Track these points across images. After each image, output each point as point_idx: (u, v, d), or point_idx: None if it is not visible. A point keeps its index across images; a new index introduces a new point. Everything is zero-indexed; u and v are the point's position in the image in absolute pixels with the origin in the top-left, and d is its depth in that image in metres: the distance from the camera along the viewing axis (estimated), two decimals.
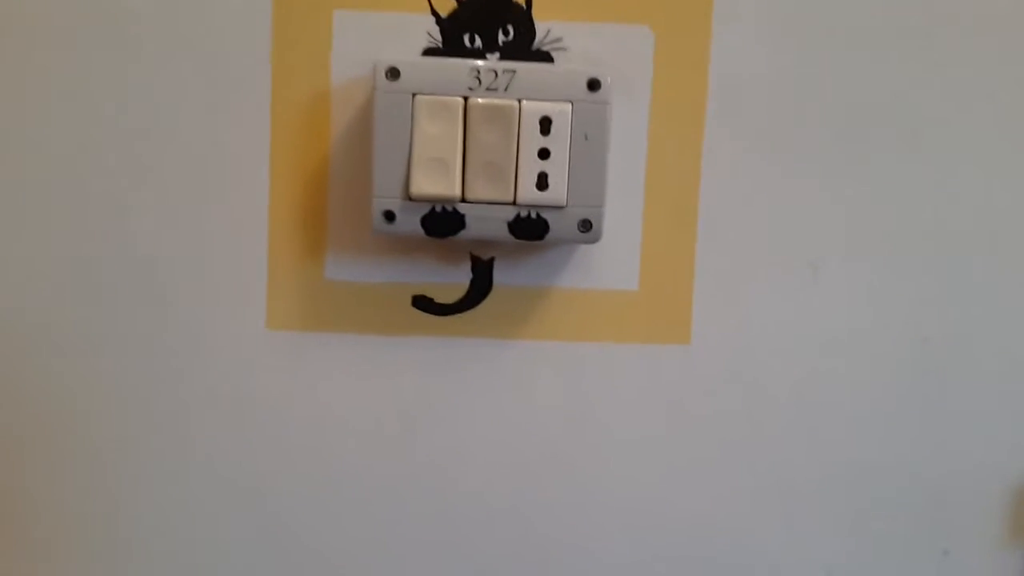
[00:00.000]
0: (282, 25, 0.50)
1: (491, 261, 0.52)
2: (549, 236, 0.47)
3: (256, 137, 0.51)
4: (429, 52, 0.51)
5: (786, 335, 0.52)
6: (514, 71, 0.45)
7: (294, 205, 0.52)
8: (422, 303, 0.51)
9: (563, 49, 0.51)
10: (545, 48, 0.51)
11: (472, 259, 0.51)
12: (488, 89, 0.45)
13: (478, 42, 0.50)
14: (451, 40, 0.51)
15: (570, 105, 0.46)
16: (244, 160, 0.51)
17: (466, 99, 0.46)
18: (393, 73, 0.45)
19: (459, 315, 0.51)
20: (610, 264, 0.51)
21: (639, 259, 0.51)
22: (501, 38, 0.50)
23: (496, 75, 0.45)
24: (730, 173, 0.51)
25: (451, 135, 0.45)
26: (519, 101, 0.46)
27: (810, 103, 0.51)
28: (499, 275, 0.51)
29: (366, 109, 0.50)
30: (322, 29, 0.50)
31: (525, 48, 0.51)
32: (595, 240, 0.47)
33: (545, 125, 0.46)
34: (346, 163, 0.50)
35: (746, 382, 0.52)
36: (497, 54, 0.51)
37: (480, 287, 0.52)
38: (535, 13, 0.51)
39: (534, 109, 0.46)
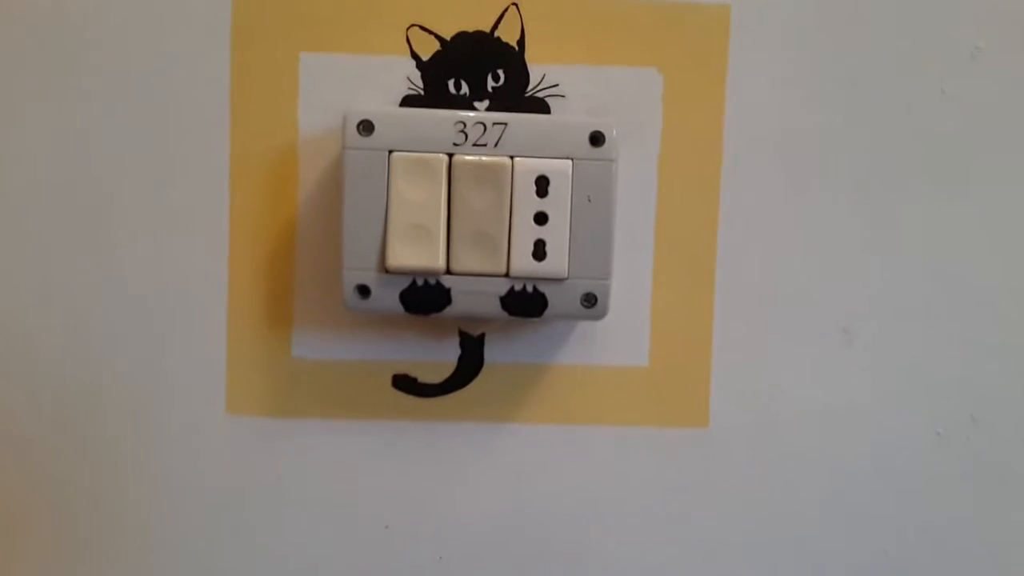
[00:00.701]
0: (242, 70, 0.45)
1: (482, 337, 0.46)
2: (548, 312, 0.42)
3: (213, 196, 0.46)
4: (409, 100, 0.45)
5: (817, 413, 0.47)
6: (505, 123, 0.39)
7: (256, 274, 0.46)
8: (403, 383, 0.46)
9: (560, 96, 0.46)
10: (540, 95, 0.46)
11: (460, 334, 0.46)
12: (476, 144, 0.39)
13: (465, 88, 0.45)
14: (434, 86, 0.45)
15: (570, 163, 0.40)
16: (199, 223, 0.46)
17: (451, 156, 0.40)
18: (366, 126, 0.39)
19: (446, 396, 0.46)
20: (617, 337, 0.46)
21: (649, 330, 0.46)
22: (491, 83, 0.45)
23: (485, 128, 0.39)
24: (751, 230, 0.46)
25: (433, 198, 0.39)
26: (511, 158, 0.41)
27: (839, 151, 0.46)
28: (491, 351, 0.46)
29: (338, 165, 0.44)
30: (287, 75, 0.45)
31: (518, 95, 0.45)
32: (600, 316, 0.41)
33: (542, 186, 0.41)
34: (316, 225, 0.46)
35: (772, 470, 0.47)
36: (487, 102, 0.45)
37: (469, 365, 0.47)
38: (529, 55, 0.45)
39: (529, 167, 0.40)
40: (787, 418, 0.47)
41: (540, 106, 0.45)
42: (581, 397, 0.47)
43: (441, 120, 0.40)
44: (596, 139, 0.40)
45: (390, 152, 0.40)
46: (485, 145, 0.40)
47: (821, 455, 0.47)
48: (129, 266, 0.46)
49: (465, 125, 0.39)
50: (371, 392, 0.46)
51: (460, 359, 0.47)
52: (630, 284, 0.46)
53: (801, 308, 0.47)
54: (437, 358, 0.46)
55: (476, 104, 0.45)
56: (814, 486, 0.47)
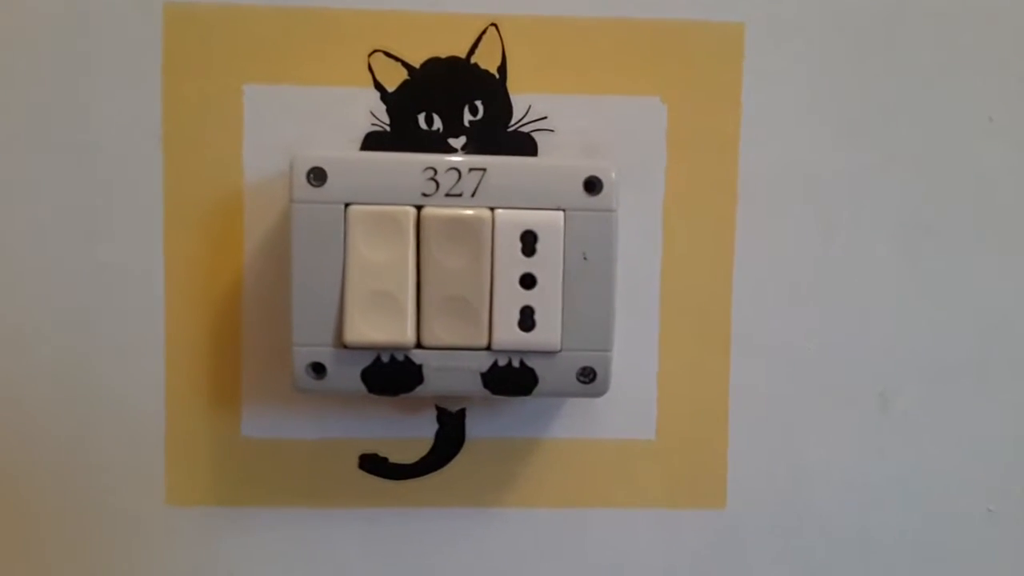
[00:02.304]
0: (175, 106, 0.39)
1: (462, 411, 0.41)
2: (538, 390, 0.36)
3: (144, 254, 0.40)
4: (373, 138, 0.39)
5: (850, 490, 0.42)
6: (484, 169, 0.33)
7: (197, 342, 0.40)
8: (372, 464, 0.41)
9: (549, 130, 0.40)
10: (526, 129, 0.40)
11: (437, 408, 0.41)
12: (449, 195, 0.34)
13: (437, 123, 0.40)
14: (402, 121, 0.40)
15: (561, 215, 0.35)
16: (129, 285, 0.40)
17: (419, 209, 0.33)
18: (317, 175, 0.32)
19: (421, 478, 0.41)
20: (619, 407, 0.41)
21: (656, 399, 0.41)
22: (468, 117, 0.39)
23: (460, 175, 0.33)
24: (771, 284, 0.41)
25: (399, 259, 0.34)
26: (492, 210, 0.35)
27: (873, 192, 0.41)
28: (473, 424, 0.41)
29: (288, 215, 0.37)
30: (229, 111, 0.39)
31: (499, 130, 0.40)
32: (600, 393, 0.36)
33: (528, 242, 0.35)
34: (265, 285, 0.40)
35: (799, 556, 0.42)
36: (463, 138, 0.39)
37: (448, 441, 0.41)
38: (511, 84, 0.40)
39: (513, 221, 0.35)
40: (816, 497, 0.42)
41: (525, 142, 0.40)
42: (578, 477, 0.41)
43: (407, 166, 0.33)
44: (592, 186, 0.34)
45: (347, 205, 0.34)
46: (460, 195, 0.34)
47: (856, 538, 0.42)
48: (49, 336, 0.40)
49: (436, 172, 0.33)
50: (334, 475, 0.41)
51: (437, 435, 0.41)
52: (633, 346, 0.41)
53: (831, 370, 0.42)
54: (410, 434, 0.41)
55: (451, 141, 0.39)
56: (846, 569, 0.42)
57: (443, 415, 0.41)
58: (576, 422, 0.42)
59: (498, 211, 0.34)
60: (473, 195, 0.34)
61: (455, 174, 0.34)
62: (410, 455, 0.41)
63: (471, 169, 0.34)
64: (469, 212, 0.34)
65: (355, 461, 0.41)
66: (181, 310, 0.40)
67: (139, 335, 0.40)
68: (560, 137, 0.40)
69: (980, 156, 0.41)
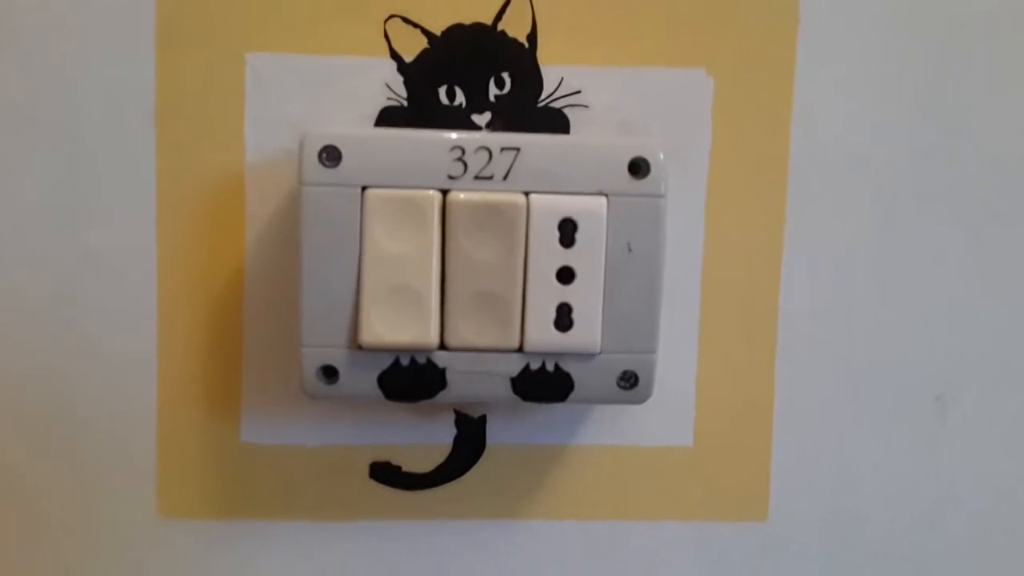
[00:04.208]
0: (170, 78, 0.35)
1: (483, 416, 0.38)
2: (573, 396, 0.33)
3: (135, 242, 0.36)
4: (389, 113, 0.36)
5: (903, 502, 0.39)
6: (518, 148, 0.30)
7: (193, 339, 0.37)
8: (384, 473, 0.38)
9: (583, 106, 0.37)
10: (557, 104, 0.36)
11: (456, 411, 0.38)
12: (479, 177, 0.31)
13: (460, 97, 0.36)
14: (421, 95, 0.36)
15: (604, 200, 0.31)
16: (118, 275, 0.36)
17: (445, 193, 0.30)
18: (331, 155, 0.29)
19: (438, 488, 0.38)
20: (654, 411, 0.37)
21: (694, 402, 0.38)
22: (493, 91, 0.36)
23: (490, 155, 0.30)
24: (822, 275, 0.38)
25: (422, 250, 0.31)
26: (526, 195, 0.31)
27: (935, 175, 0.38)
28: (494, 429, 0.38)
29: (296, 201, 0.34)
30: (229, 83, 0.35)
31: (528, 105, 0.36)
32: (642, 399, 0.33)
33: (567, 231, 0.31)
34: (269, 276, 0.36)
35: (845, 573, 0.40)
36: (488, 114, 0.36)
37: (468, 448, 0.38)
38: (542, 55, 0.36)
39: (550, 207, 0.31)
40: (866, 509, 0.39)
41: (557, 119, 0.36)
42: (610, 486, 0.39)
43: (431, 145, 0.30)
44: (638, 167, 0.30)
45: (363, 188, 0.30)
46: (491, 177, 0.30)
47: (910, 553, 0.39)
48: (30, 329, 0.36)
49: (463, 151, 0.29)
50: (343, 485, 0.38)
51: (456, 441, 0.38)
52: (670, 345, 0.37)
53: (885, 373, 0.39)
54: (426, 440, 0.38)
55: (474, 117, 0.36)
56: None
57: (462, 419, 0.38)
58: (607, 428, 0.39)
59: (533, 196, 0.30)
60: (505, 178, 0.30)
61: (485, 154, 0.30)
62: (426, 463, 0.38)
63: (503, 148, 0.30)
64: (501, 197, 0.30)
65: (366, 470, 0.38)
66: (175, 303, 0.37)
67: (129, 330, 0.37)
68: (595, 113, 0.37)
69: None
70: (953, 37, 0.37)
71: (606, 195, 0.31)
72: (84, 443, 0.37)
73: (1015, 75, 0.38)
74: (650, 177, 0.31)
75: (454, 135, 0.31)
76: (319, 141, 0.30)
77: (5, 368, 0.36)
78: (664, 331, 0.36)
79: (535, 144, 0.31)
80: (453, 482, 0.39)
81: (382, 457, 0.38)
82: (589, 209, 0.31)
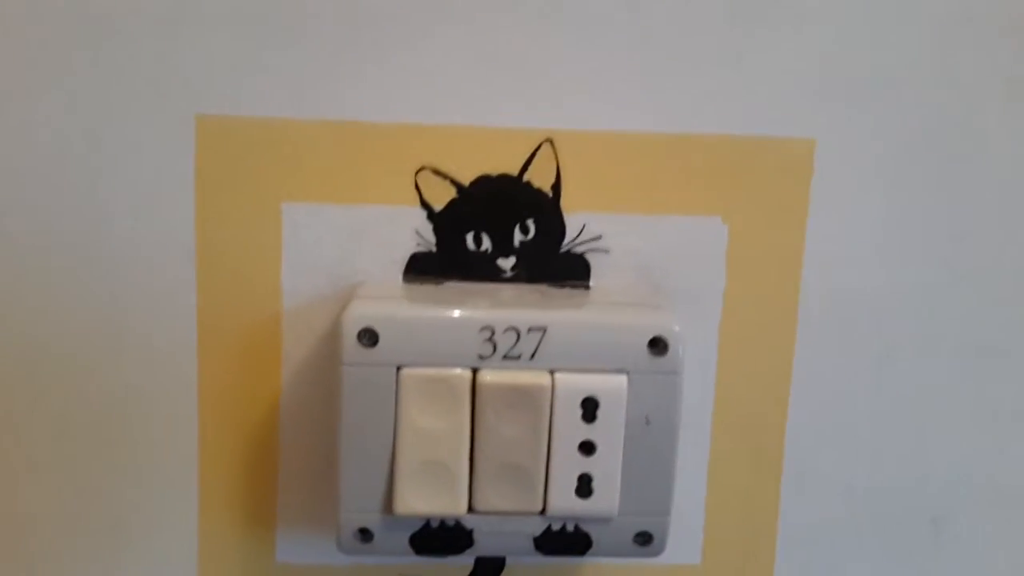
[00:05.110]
0: (210, 225, 0.37)
1: None
2: (592, 551, 0.35)
3: (176, 375, 0.38)
4: (418, 259, 0.38)
5: None
6: (544, 328, 0.30)
7: (233, 464, 0.39)
8: None
9: (603, 251, 0.38)
10: (579, 250, 0.38)
11: None
12: (507, 356, 0.30)
13: (487, 243, 0.38)
14: (449, 241, 0.38)
15: (625, 378, 0.33)
16: (159, 407, 0.38)
17: (475, 371, 0.31)
18: (369, 337, 0.30)
19: None
20: None
21: (703, 521, 0.40)
22: (518, 237, 0.38)
23: (518, 336, 0.31)
24: (827, 408, 0.40)
25: (455, 426, 0.33)
26: (552, 374, 0.33)
27: (940, 316, 0.40)
28: None
29: (330, 340, 0.37)
30: (267, 230, 0.37)
31: (552, 250, 0.38)
32: (656, 554, 0.34)
33: (589, 409, 0.33)
34: (304, 408, 0.38)
35: None
36: (513, 258, 0.38)
37: (488, 567, 0.40)
38: (565, 203, 0.38)
39: (574, 386, 0.33)
40: None
41: (577, 264, 0.38)
42: None
43: (462, 326, 0.31)
44: (657, 345, 0.31)
45: (399, 368, 0.30)
46: (519, 357, 0.31)
47: None
48: (78, 456, 0.38)
49: (493, 332, 0.31)
50: None
51: (477, 560, 0.40)
52: (681, 469, 0.37)
53: (883, 499, 0.41)
54: (452, 560, 0.39)
55: (500, 261, 0.38)
56: None
57: None
58: None
59: (558, 376, 0.32)
60: (532, 357, 0.32)
61: (513, 335, 0.31)
62: None
63: (530, 329, 0.32)
64: (529, 380, 0.32)
65: None
66: (215, 433, 0.38)
67: (172, 457, 0.38)
68: (614, 258, 0.38)
69: None
70: (961, 184, 0.39)
71: (627, 372, 0.33)
72: (129, 562, 0.39)
73: (1011, 225, 0.39)
74: (668, 355, 0.32)
75: (484, 315, 0.32)
76: (358, 323, 0.32)
77: (56, 489, 0.38)
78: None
79: (560, 323, 0.32)
80: None
81: (409, 574, 0.40)
82: (610, 388, 0.32)
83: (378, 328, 0.31)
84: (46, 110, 0.35)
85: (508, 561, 0.40)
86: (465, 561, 0.40)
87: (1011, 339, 0.40)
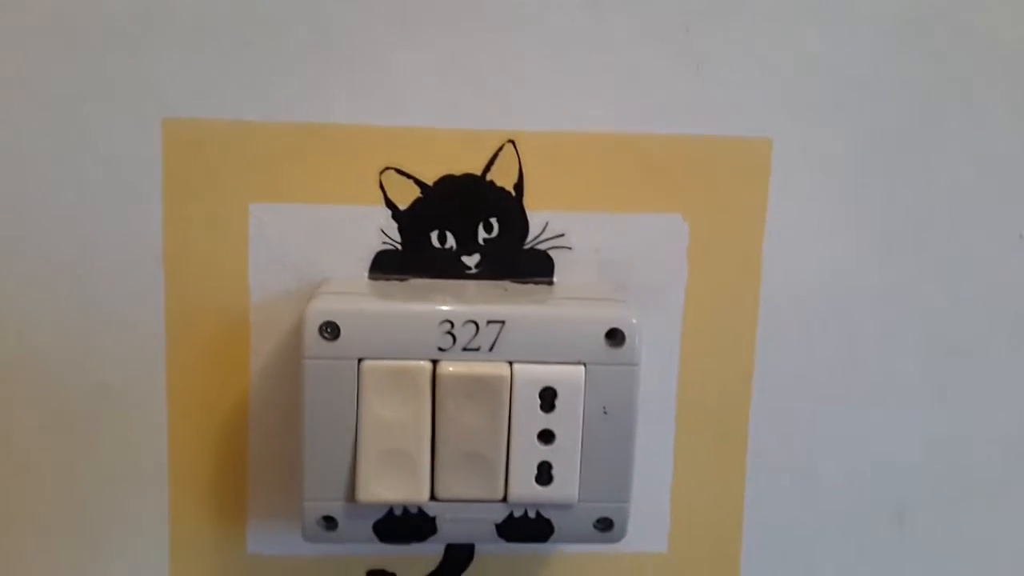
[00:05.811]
0: (178, 226, 0.38)
1: None
2: (553, 538, 0.35)
3: (145, 373, 0.39)
4: (384, 256, 0.39)
5: None
6: (503, 321, 0.32)
7: (202, 458, 0.40)
8: None
9: (566, 248, 0.39)
10: (542, 246, 0.39)
11: None
12: (466, 348, 0.31)
13: (451, 241, 0.39)
14: (414, 239, 0.38)
15: (582, 369, 0.34)
16: (128, 406, 0.39)
17: (435, 363, 0.32)
18: (331, 330, 0.30)
19: None
20: (632, 519, 0.37)
21: (669, 511, 0.41)
22: (482, 235, 0.38)
23: (477, 328, 0.32)
24: (790, 402, 0.41)
25: (415, 416, 0.33)
26: (510, 365, 0.33)
27: (900, 311, 0.41)
28: None
29: (297, 334, 0.36)
30: (234, 230, 0.38)
31: (515, 247, 0.39)
32: (616, 540, 0.35)
33: (548, 399, 0.34)
34: (273, 402, 0.39)
35: None
36: (477, 256, 0.39)
37: (457, 556, 0.41)
38: (528, 201, 0.39)
39: (532, 377, 0.34)
40: None
41: (541, 260, 0.39)
42: None
43: (423, 319, 0.32)
44: (614, 337, 0.32)
45: (360, 361, 0.32)
46: (478, 349, 0.32)
47: None
48: (51, 454, 0.39)
49: (453, 325, 0.32)
50: None
51: (447, 549, 0.41)
52: (647, 459, 0.40)
53: (848, 489, 0.41)
54: (418, 550, 0.40)
55: (464, 259, 0.38)
56: None
57: None
58: None
59: (516, 367, 0.33)
60: (491, 349, 0.33)
61: (472, 327, 0.32)
62: (418, 570, 0.41)
63: (489, 322, 0.32)
64: (487, 371, 0.32)
65: None
66: (185, 428, 0.39)
67: (142, 452, 0.39)
68: (577, 255, 0.39)
69: (1010, 274, 0.40)
70: (913, 186, 0.40)
71: (584, 364, 0.33)
72: (101, 556, 0.40)
73: (970, 220, 0.40)
74: (625, 346, 0.33)
75: (444, 310, 0.33)
76: (320, 317, 0.32)
77: (27, 485, 0.39)
78: (641, 443, 0.38)
79: (519, 316, 0.33)
80: None
81: (378, 565, 0.41)
82: (568, 379, 0.33)
83: (340, 321, 0.32)
84: (14, 114, 0.35)
85: (477, 553, 0.40)
86: (435, 551, 0.40)
87: (971, 334, 0.41)
